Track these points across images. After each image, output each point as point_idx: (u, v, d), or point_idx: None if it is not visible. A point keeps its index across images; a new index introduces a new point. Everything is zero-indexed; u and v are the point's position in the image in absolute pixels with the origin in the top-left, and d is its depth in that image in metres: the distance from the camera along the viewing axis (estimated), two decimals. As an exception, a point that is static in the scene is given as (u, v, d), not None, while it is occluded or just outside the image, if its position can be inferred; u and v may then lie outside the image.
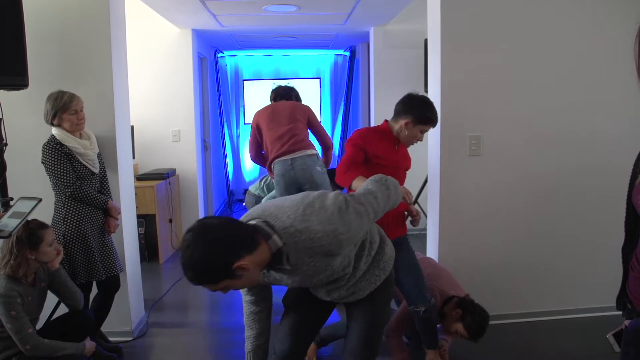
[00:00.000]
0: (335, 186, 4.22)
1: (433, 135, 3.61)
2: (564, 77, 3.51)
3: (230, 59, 8.57)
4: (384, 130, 2.87)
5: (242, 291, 2.15)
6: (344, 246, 1.81)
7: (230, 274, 1.66)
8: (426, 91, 4.08)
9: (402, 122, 2.82)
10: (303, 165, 4.01)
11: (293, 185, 4.04)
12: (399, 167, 2.91)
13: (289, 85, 4.57)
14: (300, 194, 1.94)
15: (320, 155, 4.20)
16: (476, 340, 2.94)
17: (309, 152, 4.07)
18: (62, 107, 2.99)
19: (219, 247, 1.64)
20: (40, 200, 2.03)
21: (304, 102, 4.49)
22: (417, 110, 2.82)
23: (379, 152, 2.79)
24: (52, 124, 3.02)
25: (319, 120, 4.25)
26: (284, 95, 4.37)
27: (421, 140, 2.94)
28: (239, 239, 1.68)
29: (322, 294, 2.16)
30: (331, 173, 4.28)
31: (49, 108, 3.00)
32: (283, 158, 4.05)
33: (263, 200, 4.65)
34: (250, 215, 1.89)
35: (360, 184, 2.43)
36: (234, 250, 1.65)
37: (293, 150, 4.04)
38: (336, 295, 2.14)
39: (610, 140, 3.58)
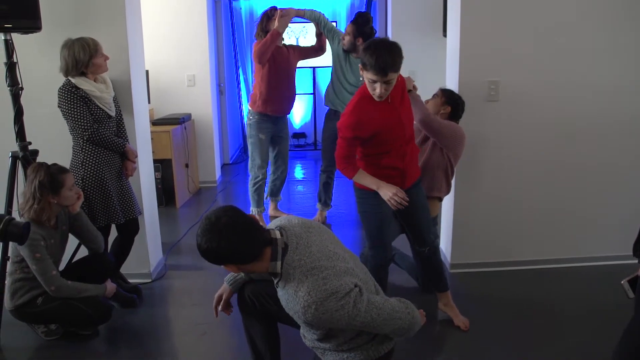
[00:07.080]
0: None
1: (450, 80, 3.56)
2: (585, 23, 3.39)
3: (245, 2, 8.37)
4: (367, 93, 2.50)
5: None
6: (308, 320, 1.84)
7: (233, 266, 1.91)
8: (445, 35, 3.99)
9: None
10: None
11: None
12: (403, 124, 2.62)
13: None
14: (338, 250, 1.96)
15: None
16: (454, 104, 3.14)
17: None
18: (95, 52, 2.95)
19: (234, 250, 1.81)
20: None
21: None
22: (362, 53, 2.39)
23: (378, 124, 2.50)
24: (81, 73, 2.95)
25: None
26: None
27: (380, 95, 2.43)
28: (250, 255, 1.84)
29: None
30: None
31: (80, 56, 2.91)
32: None
33: None
34: (290, 222, 1.99)
35: (363, 178, 2.55)
36: (245, 258, 1.85)
37: None
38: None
39: (631, 87, 3.49)
